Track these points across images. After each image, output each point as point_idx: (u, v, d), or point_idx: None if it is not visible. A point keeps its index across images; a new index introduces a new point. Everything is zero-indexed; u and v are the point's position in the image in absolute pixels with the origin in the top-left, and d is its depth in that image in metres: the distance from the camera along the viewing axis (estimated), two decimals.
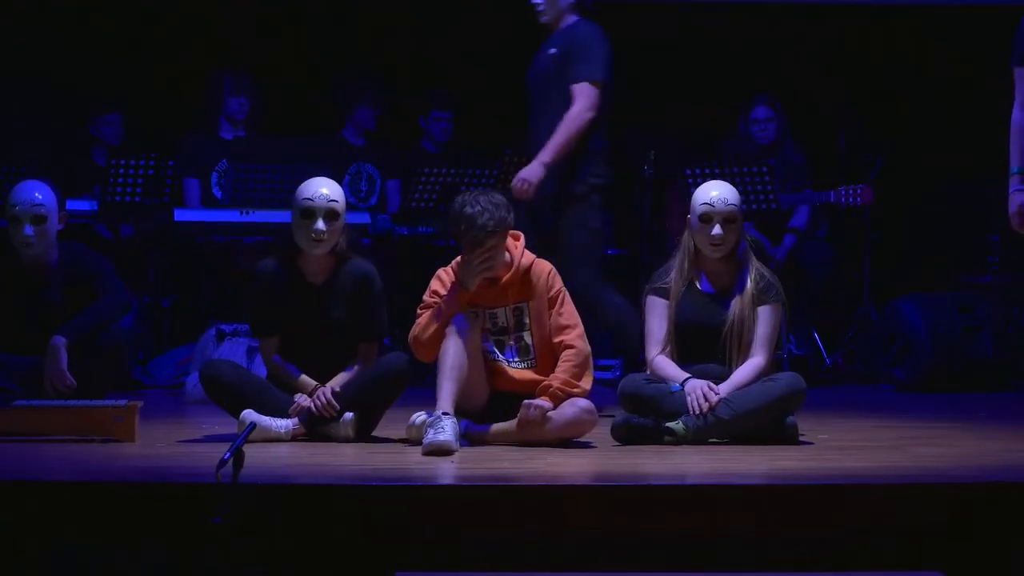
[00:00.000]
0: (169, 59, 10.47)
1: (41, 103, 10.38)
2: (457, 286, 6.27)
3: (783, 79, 10.44)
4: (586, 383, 6.28)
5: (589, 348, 6.33)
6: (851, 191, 9.34)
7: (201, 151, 9.69)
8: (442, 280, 6.34)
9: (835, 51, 10.88)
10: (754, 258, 6.51)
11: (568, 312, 6.33)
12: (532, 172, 7.37)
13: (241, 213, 9.08)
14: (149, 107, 10.24)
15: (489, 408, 6.30)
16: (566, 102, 7.44)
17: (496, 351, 6.33)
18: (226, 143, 9.73)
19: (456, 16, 10.64)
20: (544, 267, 6.36)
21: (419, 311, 6.33)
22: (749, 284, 6.42)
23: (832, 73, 10.80)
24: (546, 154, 7.39)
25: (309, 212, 6.46)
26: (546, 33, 7.68)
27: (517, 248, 6.34)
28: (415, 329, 6.30)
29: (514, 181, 7.40)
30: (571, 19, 7.61)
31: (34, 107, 10.37)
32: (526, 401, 6.18)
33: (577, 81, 7.44)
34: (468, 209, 6.19)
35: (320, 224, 6.44)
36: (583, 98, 7.43)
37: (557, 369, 6.26)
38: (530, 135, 7.61)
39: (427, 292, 6.35)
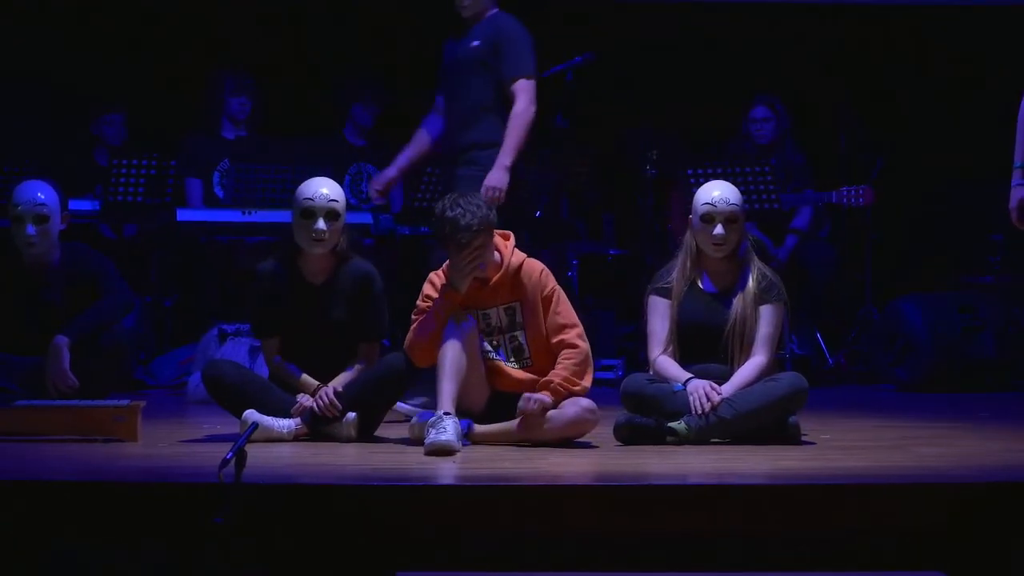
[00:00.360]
0: (170, 59, 10.47)
1: (43, 103, 10.38)
2: (447, 289, 6.26)
3: (783, 79, 10.44)
4: (587, 381, 6.28)
5: (589, 347, 6.33)
6: (853, 192, 9.34)
7: (203, 151, 9.69)
8: (434, 284, 6.32)
9: (835, 51, 10.88)
10: (756, 258, 6.51)
11: (565, 311, 6.32)
12: (498, 179, 7.37)
13: (243, 213, 9.08)
14: (150, 107, 10.24)
15: (490, 408, 6.30)
16: (489, 94, 7.48)
17: (493, 350, 6.32)
18: (228, 143, 9.73)
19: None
20: (535, 266, 6.35)
21: (413, 316, 6.33)
22: (751, 283, 6.42)
23: (832, 73, 10.80)
24: (506, 157, 7.41)
25: (309, 212, 6.46)
26: (457, 22, 7.67)
27: (507, 248, 6.34)
28: (411, 335, 6.29)
29: (483, 191, 7.39)
30: (492, 11, 7.63)
31: (36, 107, 10.37)
32: (526, 395, 6.17)
33: (515, 77, 7.48)
34: (450, 212, 6.18)
35: (320, 224, 6.44)
36: (525, 94, 7.48)
37: (557, 366, 6.25)
38: (446, 126, 7.65)
39: (420, 297, 6.34)
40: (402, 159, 7.93)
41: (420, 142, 7.90)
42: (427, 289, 6.34)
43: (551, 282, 6.35)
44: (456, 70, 7.62)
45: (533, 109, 7.49)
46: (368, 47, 10.79)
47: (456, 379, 6.13)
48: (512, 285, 6.31)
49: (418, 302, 6.33)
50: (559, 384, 6.20)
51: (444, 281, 6.29)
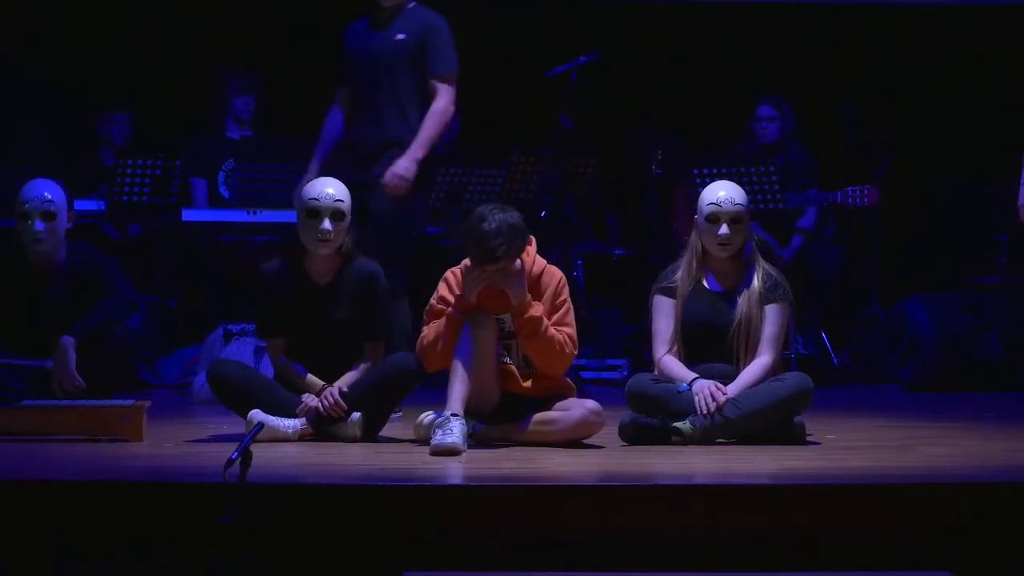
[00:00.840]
0: (175, 59, 10.47)
1: (48, 103, 10.39)
2: (460, 297, 6.20)
3: (788, 78, 10.44)
4: (562, 361, 6.21)
5: (574, 355, 6.27)
6: (857, 192, 9.35)
7: (208, 151, 9.70)
8: (449, 284, 6.27)
9: (839, 51, 10.88)
10: (761, 258, 6.51)
11: (570, 321, 6.25)
12: (407, 169, 7.33)
13: (248, 213, 9.08)
14: (156, 107, 10.25)
15: (500, 409, 6.27)
16: (414, 90, 7.44)
17: (506, 354, 6.29)
18: (233, 143, 9.73)
19: (462, 18, 10.63)
20: (555, 274, 6.29)
21: (425, 315, 6.30)
22: (756, 283, 6.42)
23: (836, 73, 10.80)
24: (419, 149, 7.37)
25: (315, 212, 6.46)
26: (372, 9, 7.57)
27: (529, 254, 6.25)
28: (423, 340, 6.25)
29: (388, 178, 7.33)
30: (411, 3, 7.57)
31: (41, 107, 10.37)
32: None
33: (439, 75, 7.45)
34: (484, 226, 6.07)
35: (326, 224, 6.44)
36: (446, 94, 7.46)
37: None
38: (361, 119, 7.53)
39: (434, 296, 6.29)
40: (316, 163, 7.66)
41: (329, 142, 7.70)
42: (441, 289, 6.28)
43: (566, 292, 6.27)
44: (375, 62, 7.48)
45: (451, 110, 7.48)
46: None
47: (467, 381, 6.09)
48: (530, 291, 6.21)
49: (432, 301, 6.29)
50: (546, 319, 6.14)
51: (459, 281, 6.24)
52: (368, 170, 7.42)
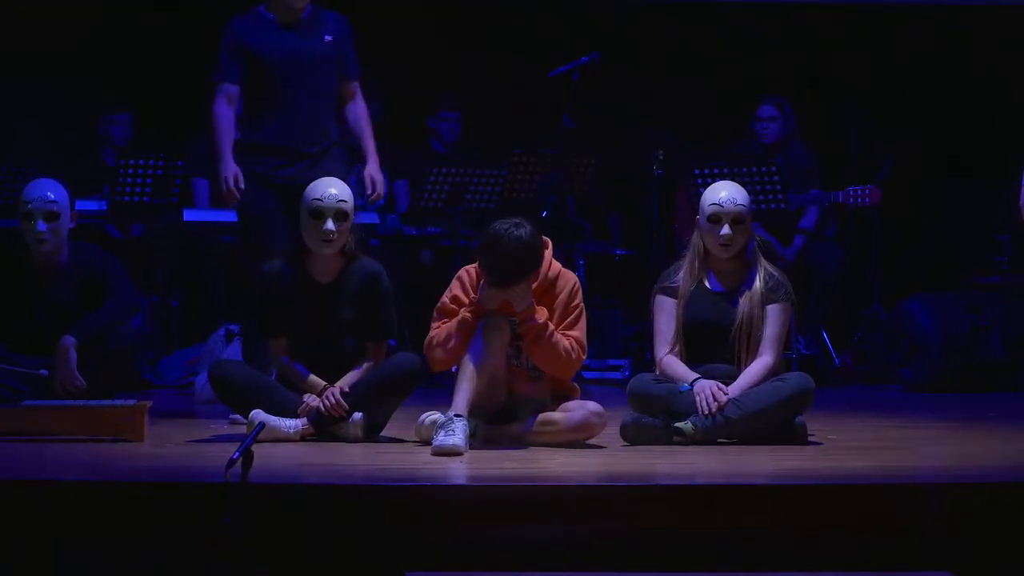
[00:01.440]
0: (176, 59, 10.48)
1: (48, 103, 10.39)
2: (476, 303, 6.16)
3: (788, 79, 10.45)
4: (567, 366, 6.19)
5: (583, 359, 6.26)
6: (859, 192, 9.35)
7: (210, 151, 9.67)
8: (463, 283, 6.23)
9: (839, 51, 10.88)
10: (763, 258, 6.51)
11: (581, 330, 6.22)
12: (380, 174, 7.37)
13: None
14: (157, 107, 10.25)
15: (505, 409, 6.26)
16: (337, 91, 7.44)
17: (515, 355, 6.26)
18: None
19: (463, 18, 10.65)
20: (569, 279, 6.26)
21: (435, 314, 6.26)
22: (758, 283, 6.42)
23: (837, 73, 10.81)
24: (376, 153, 7.40)
25: (318, 212, 6.46)
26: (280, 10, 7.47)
27: (544, 257, 6.21)
28: (432, 339, 6.20)
29: (378, 188, 7.33)
30: (310, 6, 7.49)
31: (41, 107, 10.38)
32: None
33: (359, 77, 7.49)
34: (499, 249, 6.03)
35: (330, 224, 6.44)
36: (361, 93, 7.49)
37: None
38: (289, 119, 7.39)
39: (447, 294, 6.25)
40: (229, 154, 7.59)
41: (231, 132, 7.65)
42: (455, 288, 6.24)
43: (578, 298, 6.24)
44: (307, 63, 7.38)
45: None
46: (367, 47, 10.77)
47: (475, 383, 6.06)
48: (543, 294, 6.20)
49: (444, 298, 6.25)
50: (551, 324, 6.12)
51: (472, 281, 6.20)
52: (312, 171, 7.13)
